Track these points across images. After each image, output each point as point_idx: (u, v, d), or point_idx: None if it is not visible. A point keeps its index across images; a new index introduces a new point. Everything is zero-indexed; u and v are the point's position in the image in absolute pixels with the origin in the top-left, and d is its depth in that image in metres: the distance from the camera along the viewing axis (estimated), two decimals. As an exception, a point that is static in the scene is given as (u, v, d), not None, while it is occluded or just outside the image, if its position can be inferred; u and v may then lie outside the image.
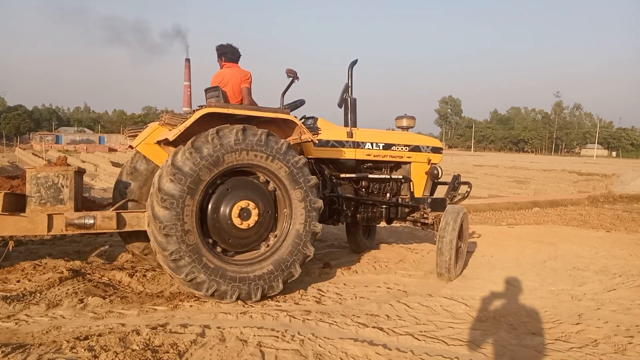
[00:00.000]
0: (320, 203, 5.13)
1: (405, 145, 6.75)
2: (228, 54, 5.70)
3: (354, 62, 6.08)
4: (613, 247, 8.55)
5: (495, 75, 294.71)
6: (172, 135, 4.63)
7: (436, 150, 7.09)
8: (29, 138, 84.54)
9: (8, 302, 4.42)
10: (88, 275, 5.51)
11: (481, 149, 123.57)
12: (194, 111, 4.84)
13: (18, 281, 5.17)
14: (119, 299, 4.81)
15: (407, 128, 7.05)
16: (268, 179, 5.04)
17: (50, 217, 4.67)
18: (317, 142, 5.65)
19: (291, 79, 5.19)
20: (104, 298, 4.74)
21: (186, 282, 4.51)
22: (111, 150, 69.05)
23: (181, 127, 4.62)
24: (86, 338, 3.68)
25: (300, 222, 5.02)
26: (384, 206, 6.70)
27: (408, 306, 4.94)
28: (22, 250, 6.59)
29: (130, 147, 5.73)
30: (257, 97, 5.62)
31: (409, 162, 6.86)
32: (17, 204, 4.68)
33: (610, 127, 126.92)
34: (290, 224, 5.04)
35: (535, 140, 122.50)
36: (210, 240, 4.79)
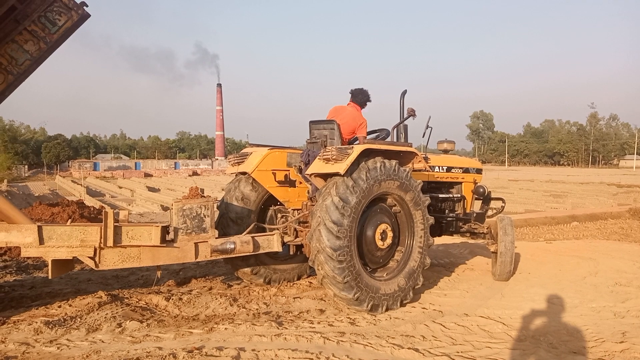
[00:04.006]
0: (432, 219, 5.83)
1: (459, 167, 7.44)
2: (358, 97, 6.33)
3: (405, 92, 6.48)
4: (657, 261, 8.25)
5: (527, 88, 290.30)
6: (342, 169, 5.01)
7: (479, 171, 7.80)
8: (69, 166, 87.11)
9: (50, 326, 4.55)
10: (126, 300, 5.62)
11: (515, 164, 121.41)
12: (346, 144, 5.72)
13: (59, 306, 5.32)
14: (155, 322, 4.89)
15: (447, 151, 7.55)
16: (395, 203, 5.66)
17: (196, 245, 5.05)
18: (429, 169, 6.46)
19: (410, 116, 6.16)
20: (142, 322, 4.83)
21: (353, 301, 5.08)
22: (147, 175, 70.71)
23: (348, 162, 5.04)
24: (125, 362, 3.75)
25: (420, 237, 5.72)
26: (444, 221, 7.26)
27: (444, 326, 4.88)
28: (62, 275, 6.76)
29: (239, 173, 6.19)
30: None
31: (462, 182, 7.50)
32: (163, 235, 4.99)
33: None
34: (412, 240, 5.73)
35: (571, 153, 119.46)
36: (361, 261, 5.31)
